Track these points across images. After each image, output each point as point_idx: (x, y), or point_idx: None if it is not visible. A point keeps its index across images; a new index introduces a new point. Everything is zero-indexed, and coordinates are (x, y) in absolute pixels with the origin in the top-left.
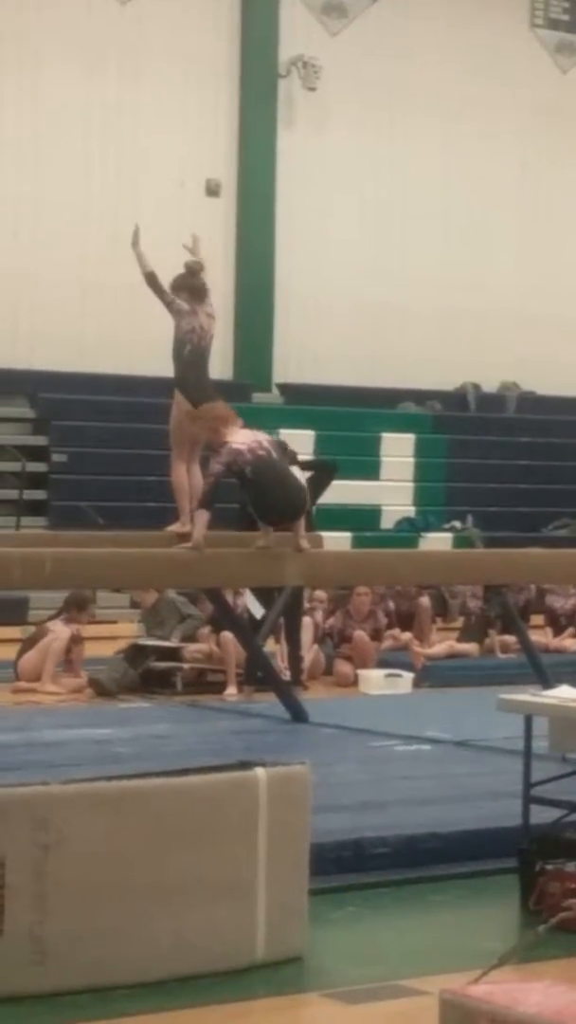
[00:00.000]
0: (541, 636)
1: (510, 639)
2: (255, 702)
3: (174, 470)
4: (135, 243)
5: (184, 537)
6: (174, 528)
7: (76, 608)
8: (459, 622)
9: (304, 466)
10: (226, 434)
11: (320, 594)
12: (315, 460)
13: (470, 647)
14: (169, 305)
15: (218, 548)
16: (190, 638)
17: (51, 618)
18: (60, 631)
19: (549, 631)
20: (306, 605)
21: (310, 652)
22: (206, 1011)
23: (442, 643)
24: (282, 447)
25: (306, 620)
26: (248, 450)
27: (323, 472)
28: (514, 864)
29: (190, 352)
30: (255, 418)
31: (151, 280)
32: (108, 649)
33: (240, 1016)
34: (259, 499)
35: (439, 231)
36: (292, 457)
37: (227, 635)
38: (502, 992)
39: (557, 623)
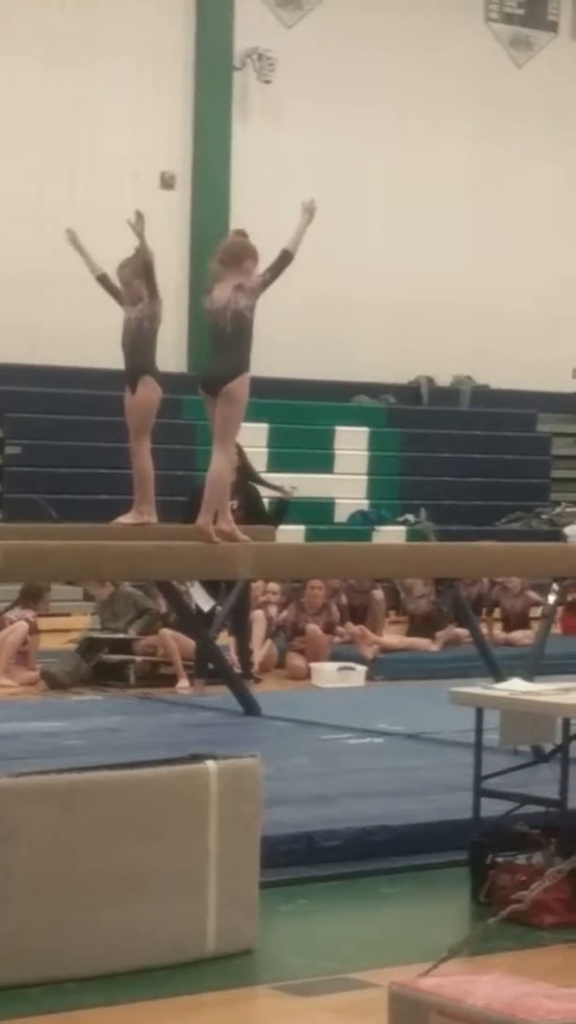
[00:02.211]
0: (494, 629)
1: (462, 632)
2: (207, 695)
3: (144, 458)
4: (75, 245)
5: (142, 527)
6: (126, 519)
7: (31, 599)
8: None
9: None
10: (220, 279)
11: (273, 587)
12: (277, 499)
13: (423, 641)
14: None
15: (168, 541)
16: (147, 631)
17: (7, 609)
18: (17, 624)
19: (499, 625)
20: (259, 599)
21: (263, 646)
22: (157, 1004)
23: (393, 635)
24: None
25: (259, 614)
26: (212, 314)
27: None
28: (465, 857)
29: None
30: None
31: (103, 281)
32: (61, 641)
33: (191, 1008)
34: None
35: (393, 224)
36: (252, 474)
37: (166, 631)
38: (452, 985)
39: (508, 621)
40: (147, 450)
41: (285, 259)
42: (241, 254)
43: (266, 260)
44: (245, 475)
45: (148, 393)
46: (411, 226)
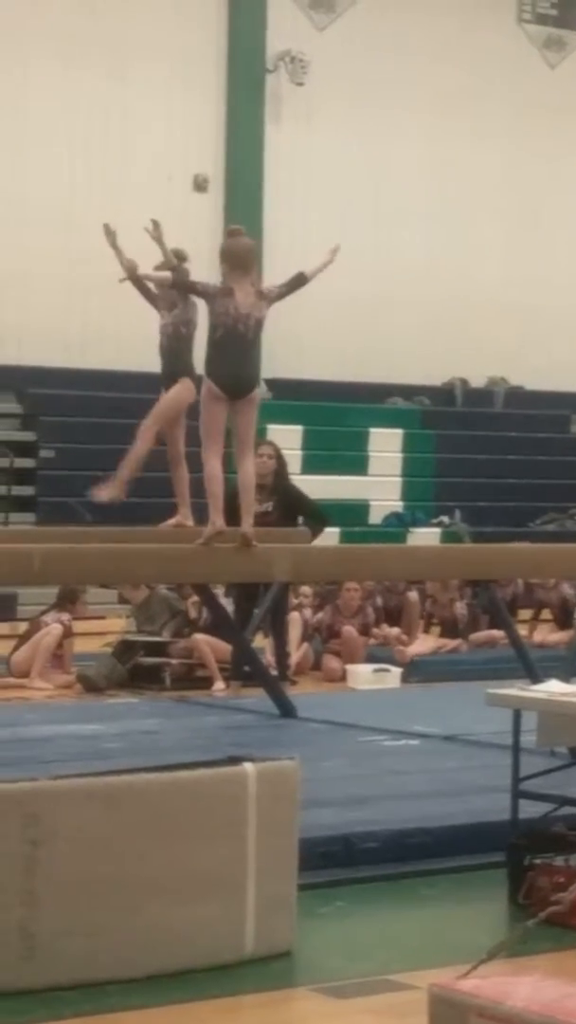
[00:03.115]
0: (527, 630)
1: (498, 634)
2: (243, 697)
3: (180, 461)
4: (111, 241)
5: (178, 530)
6: (174, 522)
7: (68, 602)
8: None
9: (300, 504)
10: (232, 281)
11: (306, 589)
12: (313, 507)
13: (456, 642)
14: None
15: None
16: (179, 633)
17: (43, 612)
18: (51, 627)
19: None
20: (294, 601)
21: (299, 648)
22: (195, 1006)
23: (427, 639)
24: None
25: (294, 616)
26: (233, 318)
27: (317, 520)
28: (503, 859)
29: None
30: None
31: (135, 281)
32: (96, 644)
33: (229, 1011)
34: (214, 361)
35: (427, 226)
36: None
37: (199, 636)
38: (491, 986)
39: (557, 617)
40: (180, 451)
41: (300, 281)
42: (253, 259)
43: (294, 261)
44: (280, 478)
45: (181, 390)
46: (444, 227)
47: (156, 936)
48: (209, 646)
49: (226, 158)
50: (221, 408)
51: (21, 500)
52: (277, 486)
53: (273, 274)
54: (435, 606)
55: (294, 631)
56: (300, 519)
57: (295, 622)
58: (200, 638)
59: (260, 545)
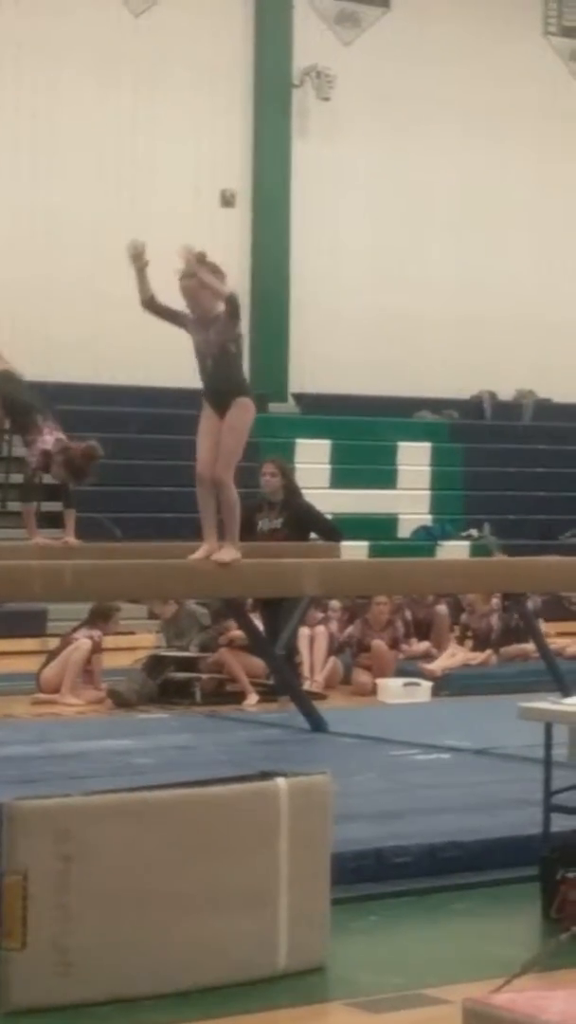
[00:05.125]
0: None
1: (528, 647)
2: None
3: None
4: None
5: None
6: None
7: (102, 619)
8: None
9: (310, 520)
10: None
11: (334, 604)
12: (326, 524)
13: (485, 655)
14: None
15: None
16: (208, 648)
17: (75, 629)
18: (81, 642)
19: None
20: (319, 615)
21: (327, 662)
22: (228, 1021)
23: (454, 654)
24: None
25: (320, 630)
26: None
27: (330, 536)
28: (535, 872)
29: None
30: (271, 428)
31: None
32: (127, 660)
33: None
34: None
35: (454, 239)
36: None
37: (225, 650)
38: (525, 1000)
39: None
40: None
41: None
42: None
43: (320, 274)
44: (290, 493)
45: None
46: (472, 241)
47: (189, 951)
48: (239, 660)
49: (253, 173)
50: None
51: (51, 516)
52: (287, 503)
53: (299, 288)
54: (471, 617)
55: (321, 645)
56: (313, 535)
57: (321, 636)
58: (227, 652)
59: (288, 560)
